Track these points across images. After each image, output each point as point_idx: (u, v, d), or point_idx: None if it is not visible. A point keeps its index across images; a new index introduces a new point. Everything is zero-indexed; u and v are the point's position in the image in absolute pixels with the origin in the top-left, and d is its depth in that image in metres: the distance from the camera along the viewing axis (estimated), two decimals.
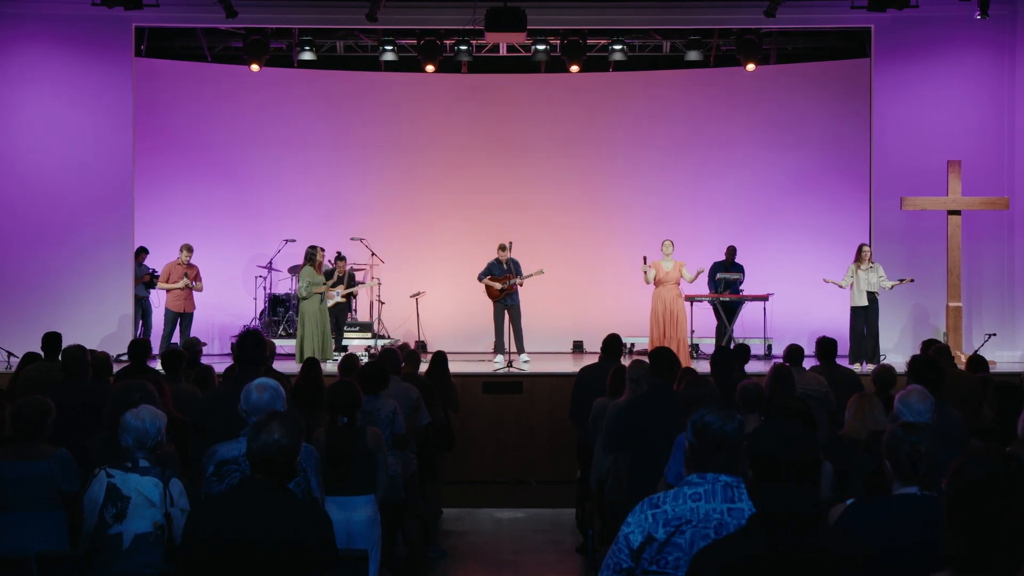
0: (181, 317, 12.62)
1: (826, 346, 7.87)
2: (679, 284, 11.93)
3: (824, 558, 2.53)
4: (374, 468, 5.33)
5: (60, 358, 6.44)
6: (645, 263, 11.93)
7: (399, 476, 6.20)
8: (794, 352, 7.62)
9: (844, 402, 5.75)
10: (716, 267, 13.64)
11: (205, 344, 11.04)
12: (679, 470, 4.91)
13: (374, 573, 5.08)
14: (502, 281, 12.41)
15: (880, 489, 4.17)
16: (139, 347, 8.05)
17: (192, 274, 12.65)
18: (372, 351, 13.04)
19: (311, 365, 7.83)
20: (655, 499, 3.09)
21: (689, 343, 12.49)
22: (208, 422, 4.82)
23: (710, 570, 2.58)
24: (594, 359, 12.16)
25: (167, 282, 12.62)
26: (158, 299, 13.22)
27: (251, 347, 4.96)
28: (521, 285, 12.49)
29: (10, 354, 11.08)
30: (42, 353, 7.81)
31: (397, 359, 7.43)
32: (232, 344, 13.80)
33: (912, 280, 12.27)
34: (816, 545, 2.55)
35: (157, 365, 9.35)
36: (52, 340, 7.62)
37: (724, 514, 3.03)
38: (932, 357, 5.96)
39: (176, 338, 12.73)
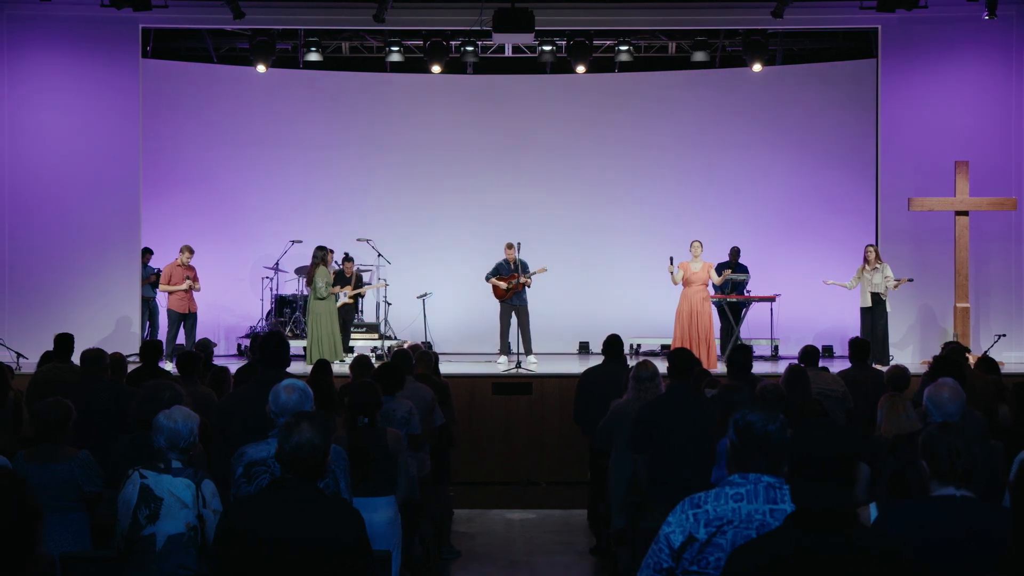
0: (184, 318, 12.59)
1: (858, 346, 7.86)
2: (706, 285, 11.88)
3: (859, 556, 2.53)
4: (395, 469, 5.32)
5: (80, 360, 6.42)
6: (672, 263, 11.87)
7: (415, 477, 6.18)
8: (809, 353, 7.60)
9: (874, 401, 5.71)
10: (721, 268, 13.60)
11: (216, 345, 11.01)
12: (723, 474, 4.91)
13: (396, 574, 5.06)
14: (507, 280, 12.38)
15: (903, 492, 4.16)
16: (151, 348, 8.06)
17: (192, 275, 12.60)
18: (378, 352, 13.06)
19: (320, 367, 7.84)
20: (696, 499, 3.08)
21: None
22: (231, 423, 4.81)
23: (746, 567, 2.58)
24: (601, 359, 12.21)
25: (168, 284, 12.55)
26: (165, 300, 13.19)
27: (275, 348, 4.95)
28: (528, 285, 12.45)
29: (19, 355, 11.06)
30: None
31: (410, 360, 7.41)
32: (241, 345, 13.91)
33: (911, 280, 12.26)
34: (851, 543, 2.54)
35: (165, 366, 9.38)
36: (64, 341, 7.60)
37: (766, 515, 3.01)
38: (954, 358, 5.95)
39: (180, 339, 12.73)
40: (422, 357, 8.00)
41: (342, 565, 3.18)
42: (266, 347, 4.96)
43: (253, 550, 3.18)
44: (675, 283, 11.87)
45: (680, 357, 5.81)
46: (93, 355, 6.28)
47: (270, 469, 4.00)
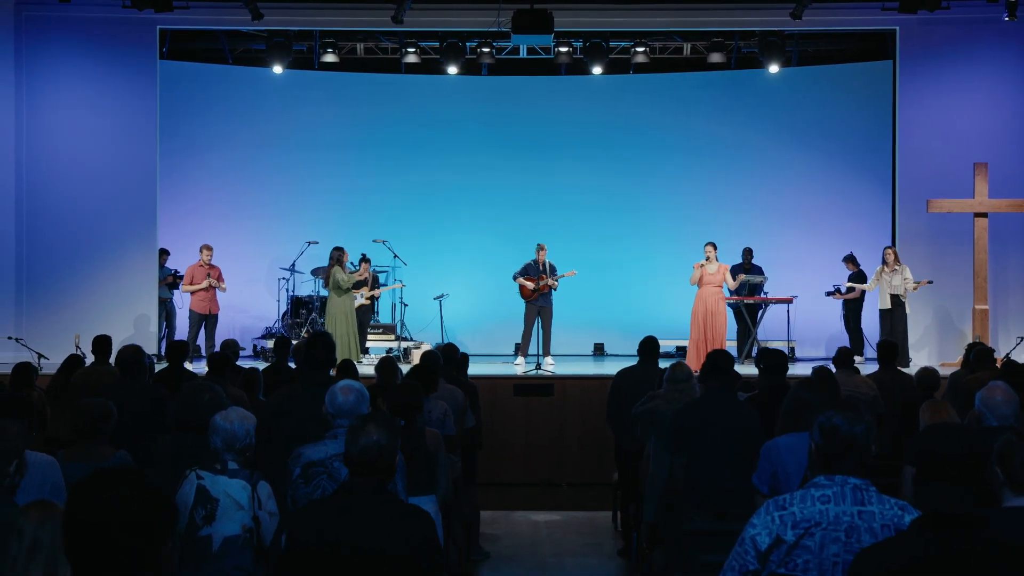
0: (206, 319, 12.62)
1: (887, 349, 7.81)
2: (721, 287, 11.95)
3: (991, 556, 2.51)
4: (435, 468, 5.31)
5: (116, 359, 6.39)
6: (705, 262, 12.05)
7: (453, 477, 6.18)
8: (842, 355, 7.55)
9: (903, 404, 5.69)
10: (736, 270, 13.57)
11: (244, 349, 10.99)
12: (769, 479, 4.83)
13: None
14: (535, 281, 12.34)
15: None
16: (177, 349, 8.03)
17: (215, 274, 12.66)
18: (393, 353, 13.04)
19: (345, 367, 7.81)
20: (781, 500, 3.05)
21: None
22: (278, 425, 4.79)
23: (876, 571, 2.56)
24: (615, 361, 12.21)
25: (191, 284, 12.62)
26: (182, 301, 13.18)
27: (321, 349, 4.94)
28: (555, 287, 12.42)
29: (40, 355, 11.05)
30: (87, 356, 7.77)
31: (438, 361, 7.37)
32: (257, 345, 13.88)
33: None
34: (982, 544, 2.52)
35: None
36: (102, 344, 7.57)
37: (855, 517, 2.98)
38: (1018, 364, 5.92)
39: (200, 340, 12.73)
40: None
41: (416, 569, 3.14)
42: (312, 348, 4.95)
43: (324, 557, 3.12)
44: (692, 283, 11.95)
45: (720, 358, 5.79)
46: (131, 356, 6.24)
47: (327, 470, 3.97)
